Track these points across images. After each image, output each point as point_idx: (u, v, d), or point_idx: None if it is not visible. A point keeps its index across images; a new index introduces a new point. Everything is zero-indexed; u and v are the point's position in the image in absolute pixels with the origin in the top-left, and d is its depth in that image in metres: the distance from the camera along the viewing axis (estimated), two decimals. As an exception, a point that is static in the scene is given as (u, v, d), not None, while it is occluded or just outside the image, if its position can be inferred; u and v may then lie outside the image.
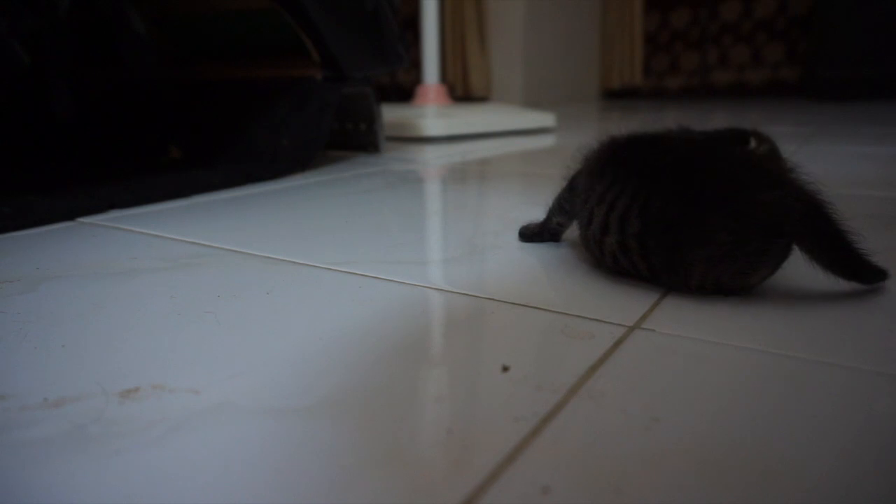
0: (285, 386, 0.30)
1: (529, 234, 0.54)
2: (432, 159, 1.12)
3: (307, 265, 0.49)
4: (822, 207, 0.35)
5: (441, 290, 0.43)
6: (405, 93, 2.60)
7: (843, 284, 0.42)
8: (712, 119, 1.79)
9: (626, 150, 0.43)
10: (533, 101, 2.57)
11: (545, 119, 1.54)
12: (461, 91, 2.70)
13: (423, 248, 0.54)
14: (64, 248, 0.55)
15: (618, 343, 0.34)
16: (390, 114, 1.36)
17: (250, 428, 0.26)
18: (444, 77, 2.57)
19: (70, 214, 0.66)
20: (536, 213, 0.60)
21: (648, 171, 0.39)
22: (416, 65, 2.30)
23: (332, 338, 0.35)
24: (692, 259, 0.37)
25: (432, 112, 1.48)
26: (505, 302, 0.40)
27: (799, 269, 0.44)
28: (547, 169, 0.97)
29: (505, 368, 0.31)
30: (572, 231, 0.53)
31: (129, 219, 0.66)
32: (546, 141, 1.37)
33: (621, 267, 0.42)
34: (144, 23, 0.92)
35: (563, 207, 0.51)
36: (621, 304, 0.39)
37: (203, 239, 0.57)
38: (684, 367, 0.31)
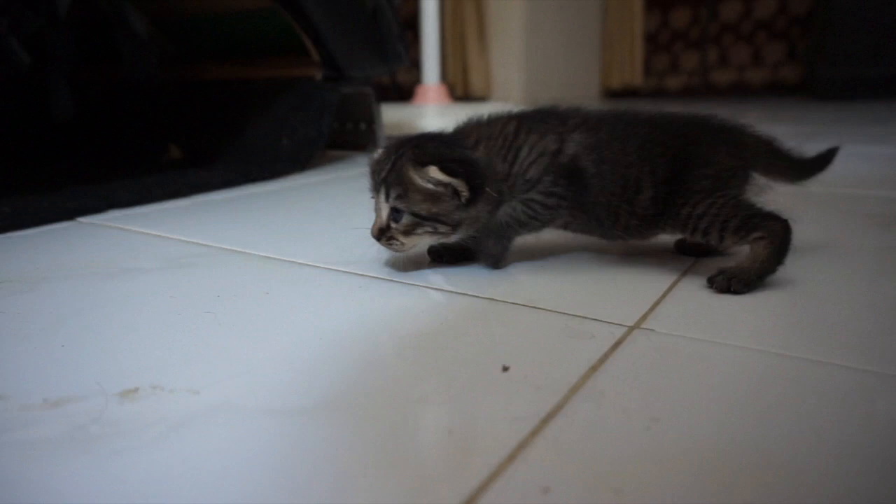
0: (285, 386, 0.30)
1: (497, 261, 0.48)
2: (432, 159, 1.12)
3: (307, 265, 0.49)
4: (775, 141, 0.49)
5: (441, 290, 0.43)
6: (405, 93, 2.59)
7: (844, 284, 0.42)
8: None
9: (625, 119, 0.48)
10: (533, 101, 2.56)
11: (545, 119, 1.54)
12: (461, 91, 2.70)
13: (422, 247, 0.54)
14: (64, 248, 0.55)
15: (618, 343, 0.34)
16: (390, 114, 1.36)
17: (250, 428, 0.26)
18: (444, 77, 2.57)
19: (70, 214, 0.66)
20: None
21: (665, 126, 0.47)
22: (416, 65, 2.30)
23: (331, 337, 0.35)
24: (698, 179, 0.44)
25: (432, 112, 1.48)
26: (505, 302, 0.40)
27: (799, 270, 0.44)
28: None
29: (505, 368, 0.31)
30: (574, 236, 0.52)
31: (129, 219, 0.66)
32: (546, 141, 1.37)
33: (646, 224, 0.46)
34: (144, 23, 0.92)
35: (542, 215, 0.46)
36: (621, 304, 0.39)
37: (203, 239, 0.57)
38: (684, 367, 0.31)
